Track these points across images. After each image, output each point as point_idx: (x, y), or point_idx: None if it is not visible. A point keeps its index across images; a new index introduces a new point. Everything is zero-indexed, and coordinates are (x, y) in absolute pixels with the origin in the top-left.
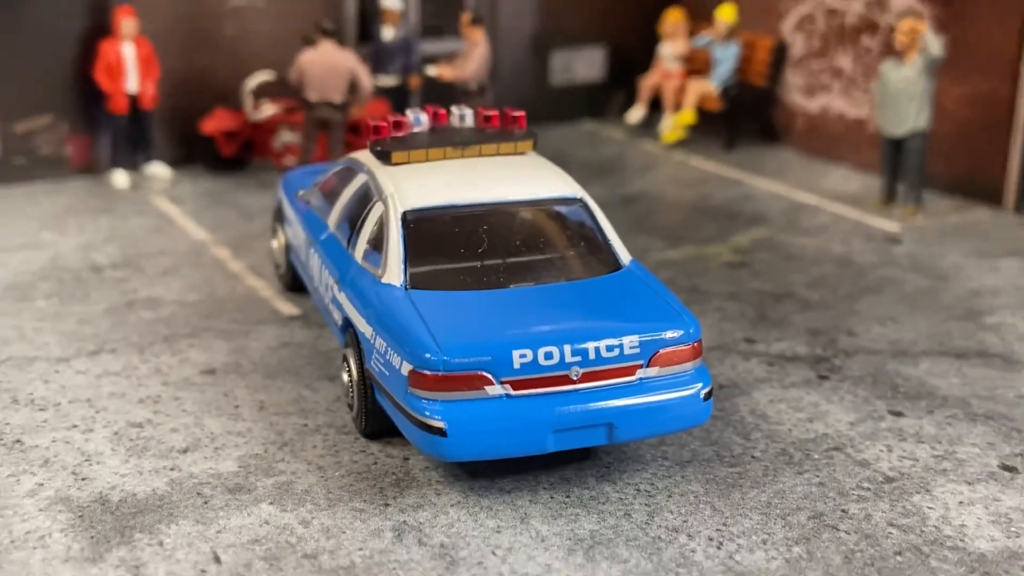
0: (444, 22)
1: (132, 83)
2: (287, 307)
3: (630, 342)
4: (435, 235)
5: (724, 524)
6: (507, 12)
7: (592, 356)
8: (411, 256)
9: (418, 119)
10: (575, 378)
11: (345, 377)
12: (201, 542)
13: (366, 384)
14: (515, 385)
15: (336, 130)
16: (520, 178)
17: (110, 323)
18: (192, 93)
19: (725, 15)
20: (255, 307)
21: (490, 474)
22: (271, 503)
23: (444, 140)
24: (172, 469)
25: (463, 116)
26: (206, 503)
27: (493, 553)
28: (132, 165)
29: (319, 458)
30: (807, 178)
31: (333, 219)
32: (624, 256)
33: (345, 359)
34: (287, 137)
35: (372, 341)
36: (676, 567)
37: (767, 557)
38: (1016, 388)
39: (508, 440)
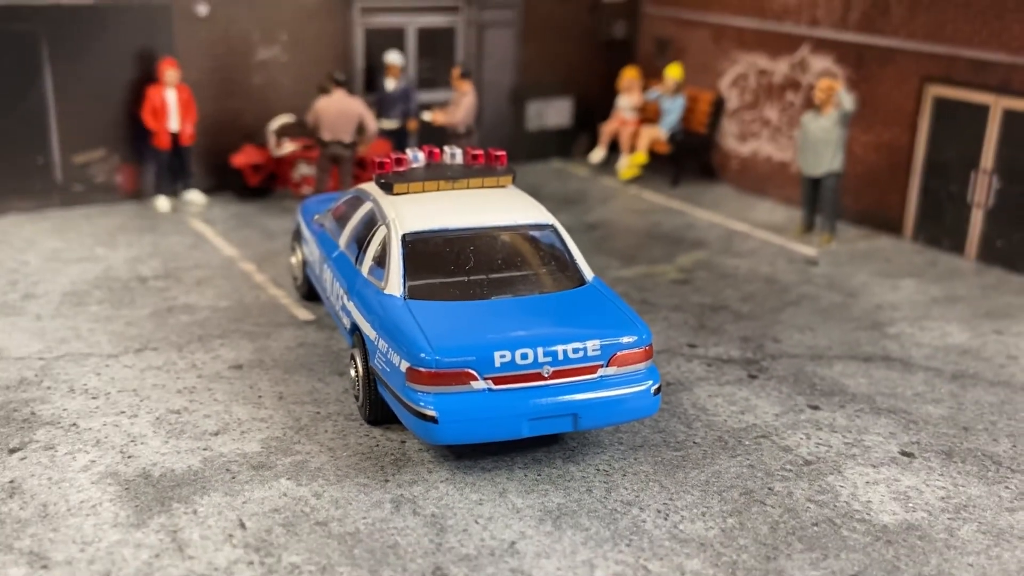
0: (437, 75)
1: (174, 123)
2: (303, 313)
3: (593, 345)
4: (430, 254)
5: (670, 499)
6: (490, 68)
7: (561, 357)
8: (409, 271)
9: (416, 156)
10: (546, 375)
11: (352, 372)
12: (229, 511)
13: (370, 379)
14: (496, 380)
15: (346, 165)
16: (501, 207)
17: (153, 325)
18: (224, 132)
19: (673, 73)
20: (276, 313)
21: (474, 455)
22: (289, 478)
23: (438, 174)
24: (205, 449)
25: (454, 154)
26: (234, 478)
27: (476, 522)
28: (173, 192)
29: (330, 440)
30: (740, 210)
31: (343, 239)
32: (588, 273)
33: (352, 357)
34: (304, 170)
35: (376, 343)
36: (630, 535)
37: (706, 527)
38: (913, 387)
39: (490, 427)
